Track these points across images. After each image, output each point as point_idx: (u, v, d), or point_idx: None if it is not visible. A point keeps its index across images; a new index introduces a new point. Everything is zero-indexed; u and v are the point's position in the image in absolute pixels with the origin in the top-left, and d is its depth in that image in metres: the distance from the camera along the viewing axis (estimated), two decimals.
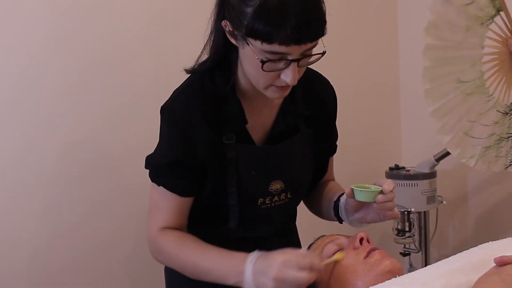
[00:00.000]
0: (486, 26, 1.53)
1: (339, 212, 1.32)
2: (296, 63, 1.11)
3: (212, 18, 1.20)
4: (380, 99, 2.54)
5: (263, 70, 1.11)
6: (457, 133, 1.61)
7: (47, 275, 1.75)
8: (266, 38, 1.07)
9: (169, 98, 1.27)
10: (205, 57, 1.26)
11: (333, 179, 1.49)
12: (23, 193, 1.70)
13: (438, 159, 2.19)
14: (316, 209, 1.45)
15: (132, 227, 1.90)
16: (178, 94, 1.27)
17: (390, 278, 1.03)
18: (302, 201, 1.47)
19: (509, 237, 1.16)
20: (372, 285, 1.01)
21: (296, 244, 1.48)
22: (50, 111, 1.73)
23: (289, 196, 1.33)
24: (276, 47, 1.07)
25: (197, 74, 1.26)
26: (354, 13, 2.42)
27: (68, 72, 1.74)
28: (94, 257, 1.83)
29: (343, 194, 1.32)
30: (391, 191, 1.19)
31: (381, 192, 1.18)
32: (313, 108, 1.33)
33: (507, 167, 1.69)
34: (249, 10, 1.06)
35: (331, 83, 1.41)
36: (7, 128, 1.66)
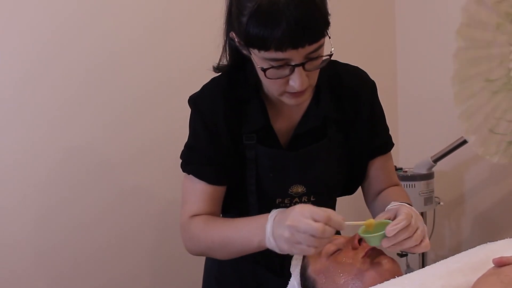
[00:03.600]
0: None
1: None
2: (301, 68, 1.09)
3: (224, 26, 1.20)
4: None
5: (268, 78, 1.11)
6: (482, 131, 1.60)
7: (50, 278, 1.74)
8: (261, 45, 1.06)
9: (198, 90, 1.29)
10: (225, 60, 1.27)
11: (395, 184, 1.38)
12: (28, 194, 1.70)
13: (436, 160, 2.19)
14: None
15: (137, 229, 1.91)
16: (206, 86, 1.29)
17: (388, 277, 1.03)
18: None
19: (506, 238, 1.16)
20: (370, 285, 1.01)
21: None
22: (53, 114, 1.73)
23: (312, 199, 1.30)
24: (273, 54, 1.06)
25: (218, 75, 1.28)
26: (351, 15, 2.42)
27: (71, 75, 1.75)
28: (97, 262, 1.83)
29: None
30: (406, 227, 1.04)
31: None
32: (343, 109, 1.29)
33: None
34: (244, 19, 1.05)
35: None
36: (12, 130, 1.66)
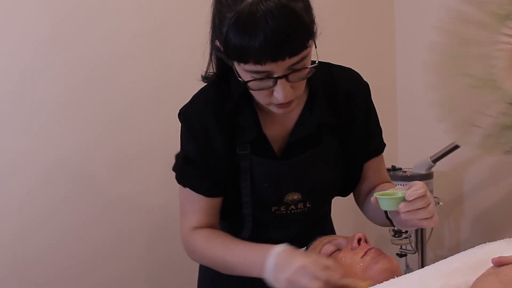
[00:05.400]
0: (503, 23, 1.52)
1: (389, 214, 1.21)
2: (284, 80, 1.06)
3: (210, 33, 1.16)
4: (377, 100, 2.51)
5: (251, 90, 1.09)
6: (457, 121, 1.60)
7: (38, 283, 1.72)
8: (240, 58, 1.03)
9: (187, 103, 1.27)
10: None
11: (387, 181, 1.39)
12: (25, 195, 1.69)
13: (435, 161, 2.19)
14: (370, 217, 1.36)
15: (130, 235, 1.89)
16: (195, 99, 1.26)
17: (387, 276, 1.04)
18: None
19: (505, 238, 1.17)
20: (370, 285, 1.02)
21: None
22: (44, 120, 1.71)
23: (308, 205, 1.29)
24: (253, 67, 1.03)
25: (206, 85, 1.26)
26: (351, 15, 2.42)
27: (64, 81, 1.73)
28: (88, 267, 1.81)
29: None
30: (422, 196, 1.05)
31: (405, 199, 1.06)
32: (340, 114, 1.27)
33: (506, 153, 1.68)
34: (224, 30, 1.02)
35: None
36: (8, 130, 1.65)
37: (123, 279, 1.88)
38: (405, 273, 1.06)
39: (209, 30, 1.14)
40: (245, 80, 1.07)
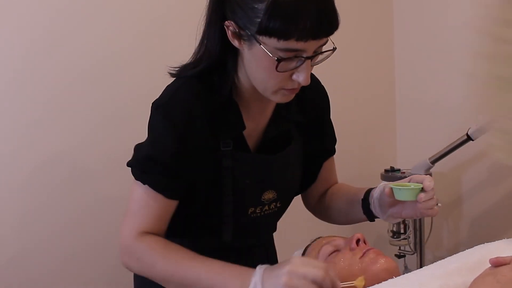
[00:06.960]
0: None
1: (372, 209, 1.24)
2: (310, 61, 1.06)
3: (204, 22, 1.14)
4: (376, 101, 2.55)
5: (277, 71, 1.05)
6: (498, 135, 1.57)
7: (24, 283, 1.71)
8: (283, 34, 1.01)
9: (163, 94, 1.19)
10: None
11: (337, 182, 1.43)
12: (17, 192, 1.68)
13: (434, 162, 2.20)
14: (335, 216, 1.38)
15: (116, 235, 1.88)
16: (175, 92, 1.17)
17: (385, 277, 1.04)
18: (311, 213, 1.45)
19: (503, 238, 1.17)
20: (369, 285, 1.02)
21: (274, 256, 1.43)
22: (35, 118, 1.69)
23: (278, 205, 1.27)
24: (293, 44, 1.02)
25: (186, 78, 1.18)
26: (350, 16, 2.42)
27: (55, 80, 1.71)
28: (75, 267, 1.80)
29: (369, 190, 1.26)
30: (432, 188, 1.15)
31: (422, 189, 1.14)
32: (306, 112, 1.28)
33: None
34: (261, 6, 1.00)
35: (326, 85, 1.37)
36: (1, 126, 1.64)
37: (114, 276, 1.86)
38: (404, 274, 1.07)
39: (205, 13, 1.13)
40: (278, 58, 1.04)
